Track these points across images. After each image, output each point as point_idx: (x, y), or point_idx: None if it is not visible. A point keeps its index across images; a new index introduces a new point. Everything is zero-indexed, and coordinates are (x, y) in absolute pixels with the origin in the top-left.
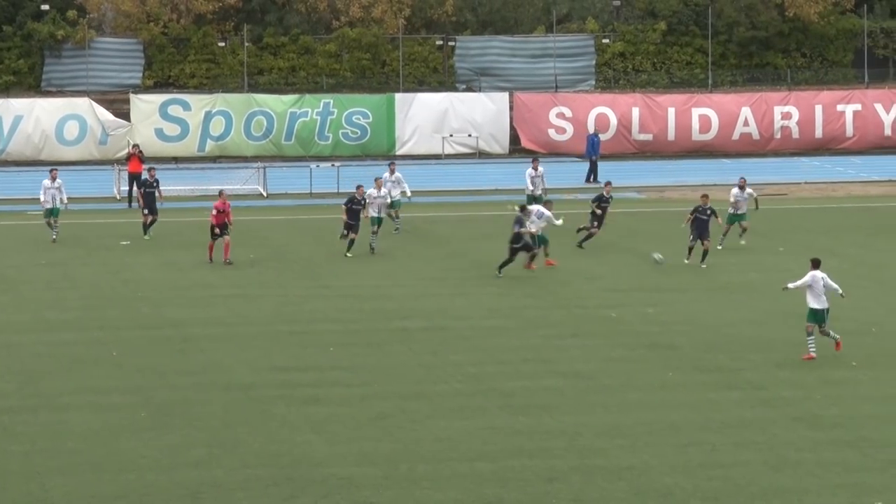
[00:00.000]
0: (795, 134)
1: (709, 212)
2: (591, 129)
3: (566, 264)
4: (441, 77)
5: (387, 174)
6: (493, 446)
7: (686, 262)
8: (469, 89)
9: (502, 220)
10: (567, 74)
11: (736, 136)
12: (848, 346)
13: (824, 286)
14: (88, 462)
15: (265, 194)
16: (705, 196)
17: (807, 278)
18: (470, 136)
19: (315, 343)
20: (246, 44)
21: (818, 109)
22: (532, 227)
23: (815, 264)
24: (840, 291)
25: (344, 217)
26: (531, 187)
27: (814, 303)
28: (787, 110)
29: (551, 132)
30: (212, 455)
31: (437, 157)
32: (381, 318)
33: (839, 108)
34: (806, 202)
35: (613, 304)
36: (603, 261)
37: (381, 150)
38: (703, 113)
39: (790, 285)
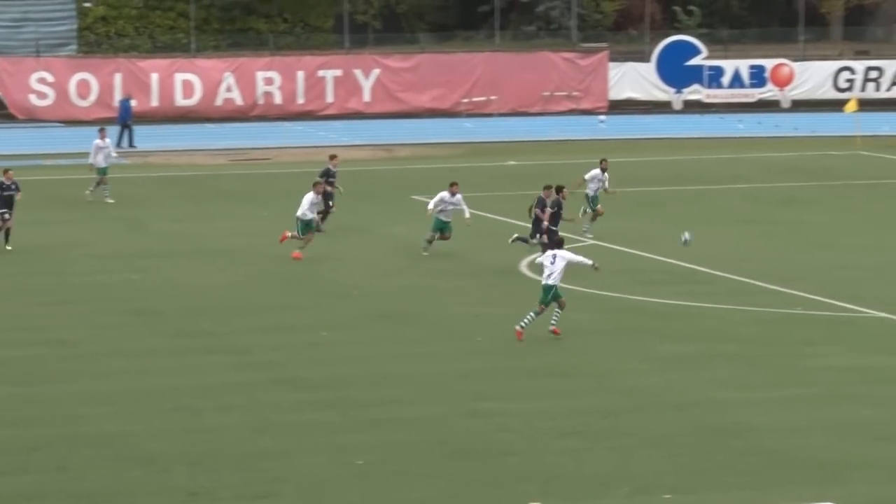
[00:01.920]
0: (278, 100)
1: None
2: (120, 95)
3: (57, 231)
4: None
5: None
6: None
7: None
8: None
9: None
10: (49, 39)
11: (220, 101)
12: (328, 308)
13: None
14: None
15: None
16: (560, 188)
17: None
18: None
19: None
20: None
21: (300, 75)
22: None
23: (557, 244)
24: (589, 263)
25: None
26: (98, 160)
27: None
28: (269, 76)
29: (32, 97)
30: None
31: None
32: None
33: (320, 73)
34: (289, 167)
35: (98, 270)
36: (87, 227)
37: None
38: (186, 78)
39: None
